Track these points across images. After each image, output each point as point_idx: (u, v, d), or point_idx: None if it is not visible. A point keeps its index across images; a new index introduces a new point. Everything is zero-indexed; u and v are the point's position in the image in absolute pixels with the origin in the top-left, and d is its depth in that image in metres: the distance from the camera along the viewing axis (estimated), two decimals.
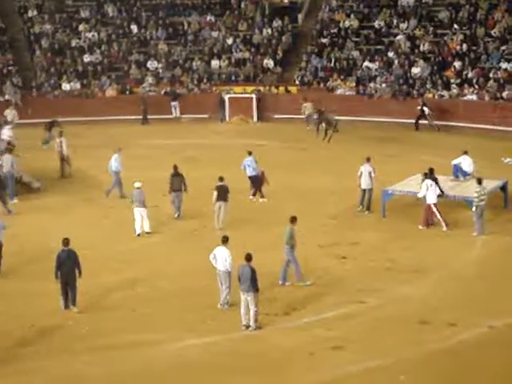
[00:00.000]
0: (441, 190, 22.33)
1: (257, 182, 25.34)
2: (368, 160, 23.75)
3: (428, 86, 38.09)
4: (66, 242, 17.40)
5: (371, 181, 23.50)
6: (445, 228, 21.95)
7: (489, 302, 17.08)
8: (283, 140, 34.44)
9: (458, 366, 14.53)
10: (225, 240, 17.05)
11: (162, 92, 41.14)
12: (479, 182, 21.75)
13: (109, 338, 15.80)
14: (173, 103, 40.24)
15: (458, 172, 24.35)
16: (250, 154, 25.72)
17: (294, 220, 18.58)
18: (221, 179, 22.51)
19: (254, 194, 25.40)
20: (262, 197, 25.32)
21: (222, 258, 16.83)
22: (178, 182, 23.44)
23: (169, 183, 23.45)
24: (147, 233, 22.28)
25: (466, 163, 24.40)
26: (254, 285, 15.98)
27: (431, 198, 22.00)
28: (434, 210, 22.06)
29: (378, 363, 14.69)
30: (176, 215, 23.50)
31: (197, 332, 15.97)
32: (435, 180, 22.36)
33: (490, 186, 23.15)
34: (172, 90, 40.74)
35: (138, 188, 22.25)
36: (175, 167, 23.69)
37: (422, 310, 16.76)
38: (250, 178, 25.41)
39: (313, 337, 15.73)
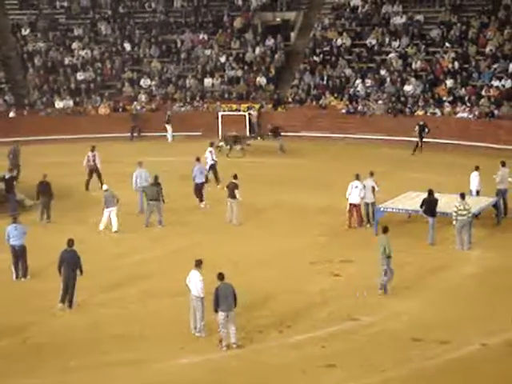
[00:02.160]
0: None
1: (201, 188, 26.38)
2: (371, 175, 23.92)
3: (420, 103, 38.24)
4: (70, 242, 18.17)
5: (374, 195, 23.60)
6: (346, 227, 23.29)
7: (481, 319, 17.05)
8: (274, 156, 34.51)
9: None
10: (198, 264, 16.60)
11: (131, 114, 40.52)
12: (462, 196, 21.81)
13: (102, 355, 15.72)
14: (168, 127, 39.64)
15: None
16: (198, 160, 26.85)
17: (386, 230, 18.94)
18: (234, 177, 23.89)
19: (201, 200, 26.22)
20: (201, 201, 26.29)
21: (194, 283, 16.40)
22: (154, 191, 23.83)
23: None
24: (115, 232, 23.56)
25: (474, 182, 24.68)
26: (235, 302, 15.89)
27: (353, 199, 23.17)
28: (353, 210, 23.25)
29: (371, 381, 14.65)
30: (160, 225, 24.10)
31: (188, 350, 15.90)
32: (435, 201, 22.33)
33: (482, 203, 23.42)
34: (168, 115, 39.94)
35: (106, 191, 23.86)
36: (155, 177, 24.22)
37: (414, 327, 16.74)
38: (196, 184, 26.33)
39: (305, 354, 15.68)
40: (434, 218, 22.29)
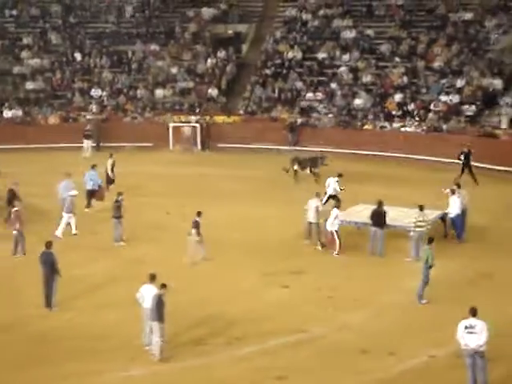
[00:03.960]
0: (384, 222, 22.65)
1: (93, 195, 26.79)
2: (317, 195, 23.95)
3: (370, 117, 38.67)
4: (48, 244, 18.48)
5: (317, 215, 23.68)
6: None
7: (429, 330, 17.28)
8: (227, 169, 34.54)
9: None
10: (152, 278, 16.50)
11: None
12: (421, 208, 22.10)
13: (51, 367, 15.57)
14: (85, 141, 38.95)
15: None
16: (93, 167, 27.28)
17: (431, 241, 19.26)
18: (198, 214, 22.25)
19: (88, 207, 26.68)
20: (88, 207, 26.77)
21: (150, 297, 16.20)
22: (118, 208, 23.60)
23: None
24: (74, 234, 24.34)
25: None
26: (157, 314, 15.74)
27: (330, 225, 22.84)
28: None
29: None
30: (120, 243, 23.57)
31: (140, 361, 15.82)
32: (384, 213, 22.64)
33: (431, 216, 23.62)
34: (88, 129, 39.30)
35: (72, 196, 24.58)
36: (118, 194, 23.91)
37: (363, 339, 16.87)
38: (88, 191, 26.70)
39: (256, 367, 15.70)
40: (382, 230, 22.55)
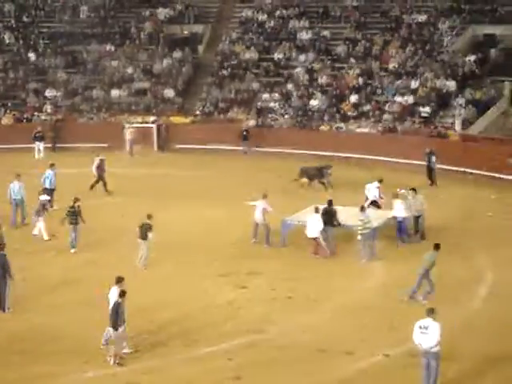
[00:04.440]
0: (337, 220, 22.78)
1: (52, 194, 26.67)
2: (264, 197, 23.90)
3: (326, 118, 38.86)
4: (1, 246, 18.53)
5: (264, 216, 23.60)
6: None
7: (384, 330, 17.40)
8: (183, 169, 34.44)
9: None
10: (118, 281, 16.41)
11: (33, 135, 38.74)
12: (362, 209, 22.30)
13: (5, 370, 15.38)
14: (37, 143, 38.15)
15: None
16: (51, 166, 27.36)
17: (438, 247, 19.01)
18: (149, 217, 21.87)
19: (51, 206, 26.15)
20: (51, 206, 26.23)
21: (114, 299, 16.15)
22: (73, 215, 23.11)
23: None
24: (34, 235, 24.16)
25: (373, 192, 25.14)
26: (111, 321, 15.64)
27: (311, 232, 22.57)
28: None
29: None
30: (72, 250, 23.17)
31: (94, 364, 15.69)
32: (334, 212, 22.77)
33: (384, 216, 24.04)
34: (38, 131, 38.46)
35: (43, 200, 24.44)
36: (75, 199, 23.38)
37: (319, 339, 16.94)
38: (45, 189, 26.40)
39: (213, 367, 15.67)
40: (332, 228, 22.70)
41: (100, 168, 29.94)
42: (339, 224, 22.85)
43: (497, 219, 26.32)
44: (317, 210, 22.71)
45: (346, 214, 23.60)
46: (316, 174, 30.33)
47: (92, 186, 29.67)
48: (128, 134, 38.83)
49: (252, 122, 39.45)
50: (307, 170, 30.59)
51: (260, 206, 23.66)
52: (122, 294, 15.88)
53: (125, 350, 16.15)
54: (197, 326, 17.62)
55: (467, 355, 15.96)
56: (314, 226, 22.49)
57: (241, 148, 38.29)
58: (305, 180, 30.79)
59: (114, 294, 16.24)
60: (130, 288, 16.42)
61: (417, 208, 23.83)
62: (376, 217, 23.41)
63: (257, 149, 38.01)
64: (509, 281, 20.39)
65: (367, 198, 25.83)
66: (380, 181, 26.20)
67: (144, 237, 21.68)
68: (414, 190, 24.22)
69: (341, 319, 18.22)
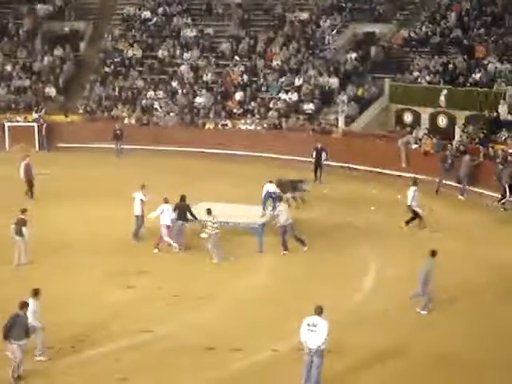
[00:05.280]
0: (193, 216, 22.93)
1: None
2: (142, 187, 23.76)
3: (211, 115, 38.82)
4: None
5: (140, 207, 23.50)
6: (176, 249, 22.68)
7: (273, 325, 17.49)
8: (66, 168, 33.67)
9: None
10: (34, 293, 15.79)
11: None
12: (209, 212, 22.28)
13: None
14: None
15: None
16: None
17: (434, 253, 18.42)
18: (23, 211, 21.22)
19: None
20: None
21: (30, 311, 15.49)
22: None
23: None
24: None
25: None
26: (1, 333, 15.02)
27: (164, 220, 22.69)
28: (164, 231, 22.71)
29: None
30: None
31: None
32: (188, 207, 22.92)
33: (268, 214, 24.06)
34: None
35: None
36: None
37: (208, 337, 16.87)
38: None
39: (99, 370, 15.38)
40: (184, 223, 22.87)
41: (28, 171, 28.58)
42: (196, 218, 22.89)
43: (379, 213, 26.92)
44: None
45: (236, 212, 23.68)
46: (289, 187, 27.73)
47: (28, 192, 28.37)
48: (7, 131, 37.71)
49: (127, 121, 38.93)
50: (281, 182, 27.68)
51: (137, 198, 23.53)
52: (23, 305, 15.14)
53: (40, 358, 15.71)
54: (83, 327, 17.23)
55: (353, 348, 16.22)
56: (167, 215, 22.72)
57: (120, 147, 37.52)
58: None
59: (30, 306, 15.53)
60: (10, 289, 15.90)
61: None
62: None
63: (142, 147, 37.54)
64: (392, 274, 20.88)
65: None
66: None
67: (20, 233, 21.05)
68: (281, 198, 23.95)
69: (229, 316, 18.21)
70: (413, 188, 25.00)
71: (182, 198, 23.14)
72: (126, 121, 39.11)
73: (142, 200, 23.45)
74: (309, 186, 28.32)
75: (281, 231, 22.73)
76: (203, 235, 22.38)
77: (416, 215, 25.09)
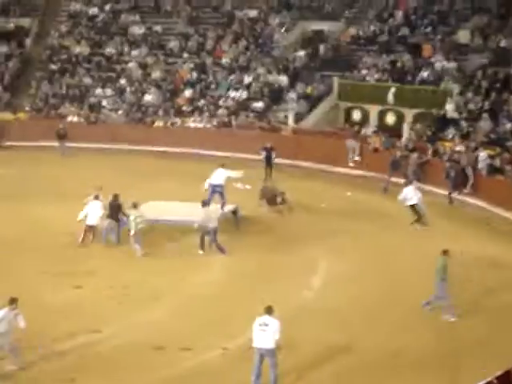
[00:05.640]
0: (124, 214, 22.88)
1: None
2: (96, 197, 23.43)
3: (160, 113, 38.55)
4: None
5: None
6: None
7: (223, 324, 17.38)
8: (11, 167, 33.02)
9: None
10: (11, 301, 15.34)
11: None
12: (134, 206, 22.36)
13: None
14: None
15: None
16: None
17: (446, 252, 17.96)
18: None
19: None
20: None
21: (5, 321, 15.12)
22: None
23: None
24: None
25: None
26: None
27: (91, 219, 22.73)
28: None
29: None
30: None
31: None
32: (119, 206, 22.87)
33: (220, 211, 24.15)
34: None
35: None
36: None
37: (157, 336, 16.69)
38: None
39: (45, 371, 15.10)
40: (117, 223, 22.82)
41: None
42: (127, 217, 22.69)
43: (330, 210, 26.98)
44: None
45: (185, 210, 23.64)
46: (270, 197, 26.77)
47: None
48: None
49: (76, 119, 38.44)
50: (264, 190, 27.17)
51: (95, 207, 23.15)
52: None
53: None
54: (29, 329, 16.87)
55: (304, 344, 16.18)
56: (94, 213, 22.68)
57: (65, 146, 36.88)
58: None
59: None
60: None
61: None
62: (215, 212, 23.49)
63: (90, 145, 37.06)
64: (342, 271, 20.94)
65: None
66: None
67: None
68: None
69: (179, 315, 18.05)
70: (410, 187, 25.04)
71: (115, 198, 23.02)
72: (75, 119, 38.57)
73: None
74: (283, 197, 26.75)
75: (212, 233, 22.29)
76: (131, 233, 22.18)
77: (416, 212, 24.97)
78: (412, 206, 25.00)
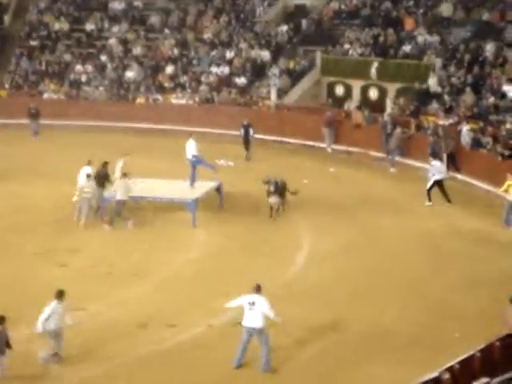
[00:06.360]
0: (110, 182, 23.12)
1: None
2: (88, 163, 23.59)
3: (142, 90, 38.23)
4: None
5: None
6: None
7: (208, 301, 17.32)
8: None
9: (173, 367, 14.60)
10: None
11: None
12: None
13: None
14: None
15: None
16: None
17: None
18: None
19: None
20: None
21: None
22: None
23: None
24: None
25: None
26: None
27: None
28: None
29: (97, 370, 14.48)
30: None
31: None
32: (106, 174, 23.11)
33: (204, 187, 24.04)
34: None
35: None
36: None
37: (141, 314, 16.67)
38: None
39: (30, 350, 15.00)
40: (102, 190, 22.95)
41: None
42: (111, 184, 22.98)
43: (313, 187, 26.88)
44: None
45: (167, 187, 23.58)
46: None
47: None
48: None
49: (55, 96, 38.05)
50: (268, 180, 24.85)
51: (83, 173, 23.28)
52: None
53: None
54: (14, 308, 16.72)
55: (291, 323, 16.07)
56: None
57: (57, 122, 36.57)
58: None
59: None
60: None
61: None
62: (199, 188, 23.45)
63: (71, 123, 36.73)
64: (325, 247, 20.90)
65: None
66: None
67: None
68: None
69: (162, 292, 18.02)
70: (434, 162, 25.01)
71: (104, 165, 23.25)
72: (54, 96, 38.18)
73: (88, 175, 23.15)
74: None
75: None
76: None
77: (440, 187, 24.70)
78: (437, 182, 24.66)
